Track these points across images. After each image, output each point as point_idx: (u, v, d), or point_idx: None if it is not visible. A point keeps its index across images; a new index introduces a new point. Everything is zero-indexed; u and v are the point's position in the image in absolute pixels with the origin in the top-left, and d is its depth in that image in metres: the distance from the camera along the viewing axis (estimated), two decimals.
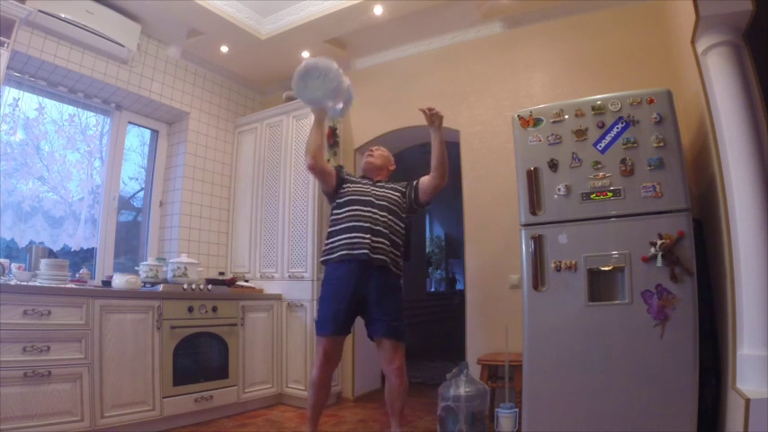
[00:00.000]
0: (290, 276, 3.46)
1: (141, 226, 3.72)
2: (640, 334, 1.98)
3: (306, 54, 3.68)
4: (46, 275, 2.43)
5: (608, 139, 2.17)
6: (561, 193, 2.22)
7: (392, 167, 2.64)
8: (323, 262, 2.37)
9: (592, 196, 2.16)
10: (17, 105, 2.89)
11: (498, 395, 2.59)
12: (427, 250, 8.15)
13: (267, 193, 3.72)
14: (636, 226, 2.06)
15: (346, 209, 2.33)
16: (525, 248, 2.26)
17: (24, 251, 2.80)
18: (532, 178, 2.29)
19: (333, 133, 3.57)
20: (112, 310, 2.49)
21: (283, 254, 3.52)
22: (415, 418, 2.94)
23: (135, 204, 3.83)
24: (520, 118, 2.38)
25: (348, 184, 2.44)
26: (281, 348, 3.38)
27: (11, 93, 2.87)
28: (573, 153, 2.23)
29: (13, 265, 2.53)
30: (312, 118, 3.55)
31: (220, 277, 3.42)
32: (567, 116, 2.27)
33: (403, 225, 2.41)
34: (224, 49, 3.69)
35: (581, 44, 3.06)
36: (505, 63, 3.31)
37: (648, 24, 2.85)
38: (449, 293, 8.25)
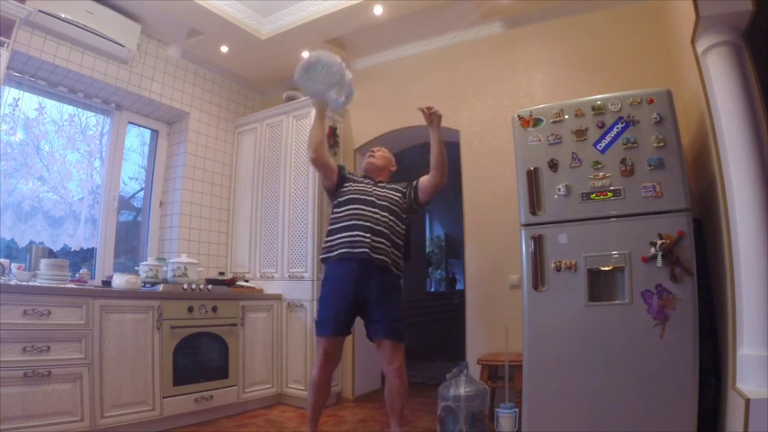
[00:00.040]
0: (290, 276, 3.46)
1: (141, 226, 3.72)
2: (640, 334, 1.98)
3: (306, 54, 3.67)
4: (46, 275, 2.43)
5: (608, 139, 2.17)
6: (561, 193, 2.22)
7: (393, 168, 2.64)
8: (322, 260, 2.37)
9: (592, 196, 2.16)
10: (17, 105, 2.89)
11: (498, 395, 2.59)
12: (427, 250, 8.15)
13: (267, 193, 3.72)
14: (636, 226, 2.06)
15: (347, 207, 2.33)
16: (525, 248, 2.26)
17: (24, 251, 2.80)
18: (532, 178, 2.29)
19: (333, 133, 3.58)
20: (112, 310, 2.49)
21: (283, 254, 3.52)
22: (415, 418, 2.94)
23: (135, 204, 3.83)
24: (520, 118, 2.38)
25: (349, 184, 2.44)
26: (281, 348, 3.38)
27: (11, 93, 2.87)
28: (573, 153, 2.23)
29: (13, 265, 2.53)
30: (312, 117, 3.58)
31: (220, 277, 3.42)
32: (566, 116, 2.27)
33: (403, 226, 2.41)
34: (224, 49, 3.69)
35: (581, 44, 3.06)
36: (505, 63, 3.31)
37: (648, 24, 2.85)
38: (449, 293, 8.25)
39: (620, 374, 2.00)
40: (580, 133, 2.23)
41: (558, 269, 2.17)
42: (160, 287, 2.79)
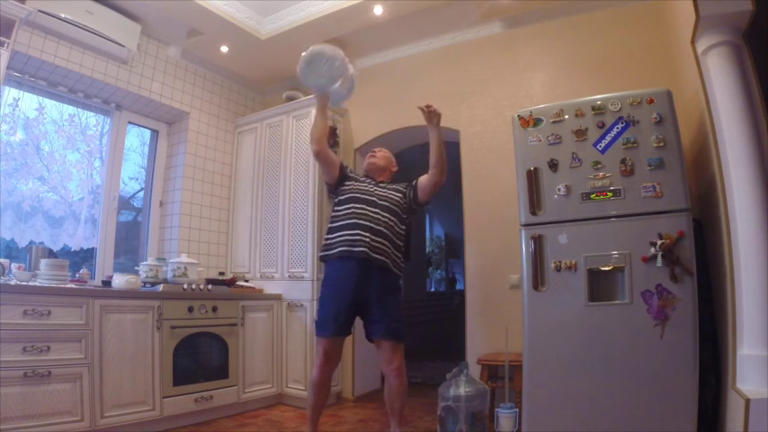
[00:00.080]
0: (290, 276, 3.46)
1: (141, 226, 3.72)
2: (640, 334, 1.98)
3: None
4: (46, 275, 2.43)
5: (608, 139, 2.17)
6: (561, 193, 2.22)
7: (394, 169, 2.64)
8: (322, 258, 2.37)
9: (592, 196, 2.16)
10: (17, 105, 2.89)
11: (498, 395, 2.59)
12: (427, 250, 8.15)
13: (267, 193, 3.72)
14: (636, 226, 2.06)
15: (347, 206, 2.34)
16: (525, 248, 2.26)
17: (24, 251, 2.80)
18: (532, 178, 2.29)
19: (333, 133, 3.58)
20: (112, 310, 2.49)
21: (283, 254, 3.52)
22: (415, 418, 2.94)
23: (135, 204, 3.83)
24: (520, 118, 2.38)
25: (351, 182, 2.44)
26: (281, 348, 3.38)
27: (11, 93, 2.87)
28: (573, 153, 2.22)
29: (13, 265, 2.53)
30: (312, 117, 3.58)
31: (220, 277, 3.42)
32: (567, 116, 2.27)
33: (403, 226, 2.41)
34: (224, 49, 3.69)
35: (581, 44, 3.06)
36: (505, 63, 3.31)
37: (648, 24, 2.85)
38: (449, 293, 8.24)
39: (620, 374, 2.00)
40: (580, 133, 2.23)
41: (558, 269, 2.17)
42: (160, 287, 2.79)
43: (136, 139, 3.75)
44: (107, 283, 2.77)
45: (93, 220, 3.27)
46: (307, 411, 2.34)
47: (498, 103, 3.28)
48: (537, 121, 2.33)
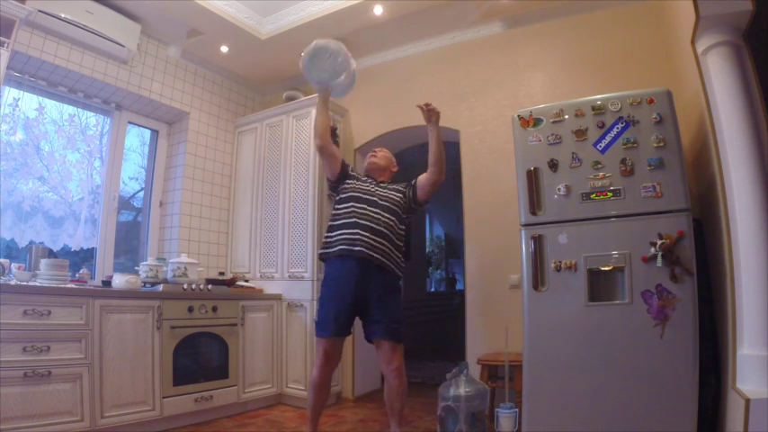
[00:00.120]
0: (290, 276, 3.46)
1: (141, 226, 3.72)
2: (640, 334, 1.98)
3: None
4: (46, 275, 2.43)
5: (608, 139, 2.17)
6: (561, 193, 2.22)
7: (395, 169, 2.64)
8: (321, 256, 2.37)
9: (592, 196, 2.16)
10: (17, 105, 2.89)
11: (498, 395, 2.59)
12: (427, 250, 8.15)
13: (267, 193, 3.72)
14: (636, 226, 2.06)
15: (348, 204, 2.34)
16: (525, 248, 2.26)
17: (24, 251, 2.80)
18: (532, 178, 2.29)
19: (333, 133, 3.57)
20: (112, 310, 2.49)
21: (283, 254, 3.52)
22: (415, 418, 2.94)
23: (135, 204, 3.83)
24: (520, 118, 2.38)
25: (352, 181, 2.44)
26: (281, 348, 3.38)
27: (11, 93, 2.87)
28: (573, 153, 2.22)
29: (13, 265, 2.53)
30: (312, 117, 3.58)
31: (220, 277, 3.42)
32: (567, 116, 2.27)
33: (403, 226, 2.41)
34: (224, 49, 3.69)
35: (581, 44, 3.06)
36: (505, 63, 3.31)
37: (648, 24, 2.85)
38: (449, 293, 8.24)
39: (620, 374, 2.00)
40: (580, 133, 2.23)
41: (558, 269, 2.17)
42: (160, 287, 2.79)
43: (136, 139, 3.75)
44: (107, 283, 2.77)
45: (93, 220, 3.28)
46: (307, 411, 2.34)
47: (498, 103, 3.28)
48: (537, 121, 2.33)
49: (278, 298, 3.44)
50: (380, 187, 2.43)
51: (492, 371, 2.72)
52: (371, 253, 2.21)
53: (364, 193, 2.36)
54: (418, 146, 3.86)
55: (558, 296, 2.16)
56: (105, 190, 3.35)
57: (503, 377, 2.46)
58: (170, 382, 2.69)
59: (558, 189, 2.23)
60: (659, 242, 1.98)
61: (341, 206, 2.37)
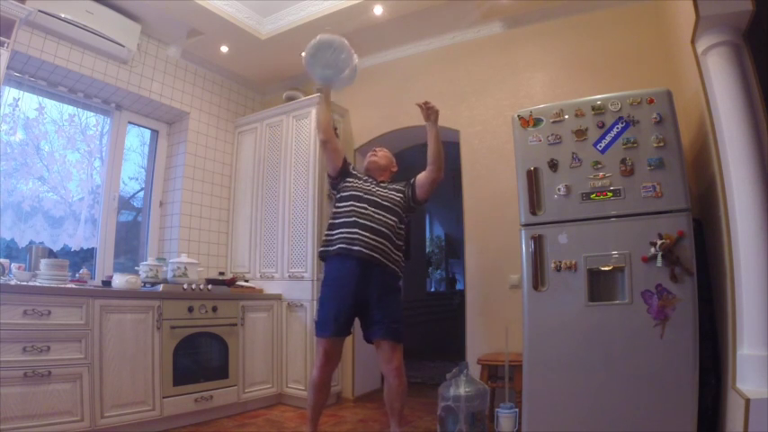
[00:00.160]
0: (290, 276, 3.46)
1: (141, 226, 3.72)
2: (640, 334, 1.98)
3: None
4: (46, 275, 2.43)
5: (608, 139, 2.17)
6: (561, 193, 2.22)
7: (394, 169, 2.64)
8: (321, 255, 2.37)
9: (592, 196, 2.16)
10: (17, 105, 2.89)
11: (498, 395, 2.59)
12: (427, 250, 8.15)
13: (267, 193, 3.72)
14: (636, 226, 2.06)
15: (348, 203, 2.34)
16: (525, 248, 2.26)
17: (24, 251, 2.80)
18: (532, 178, 2.29)
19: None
20: (112, 310, 2.49)
21: (283, 254, 3.52)
22: (415, 418, 2.94)
23: (135, 204, 3.83)
24: (520, 118, 2.38)
25: (353, 179, 2.44)
26: (281, 348, 3.38)
27: (11, 93, 2.87)
28: (573, 153, 2.22)
29: (13, 265, 2.53)
30: (312, 117, 3.59)
31: (220, 277, 3.42)
32: (567, 116, 2.27)
33: (403, 226, 2.41)
34: (224, 49, 3.69)
35: (581, 44, 3.06)
36: (505, 63, 3.31)
37: (648, 24, 2.85)
38: (449, 293, 8.24)
39: (620, 374, 2.00)
40: (580, 133, 2.23)
41: (558, 269, 2.17)
42: (160, 287, 2.79)
43: (136, 139, 3.75)
44: (107, 283, 2.77)
45: (93, 220, 3.27)
46: (307, 411, 2.34)
47: (498, 103, 3.28)
48: (537, 121, 2.33)
49: (278, 298, 3.44)
50: (381, 187, 2.43)
51: (492, 371, 2.72)
52: (371, 253, 2.21)
53: (365, 193, 2.36)
54: (418, 146, 3.86)
55: (558, 296, 2.16)
56: (105, 190, 3.35)
57: (503, 377, 2.46)
58: (170, 382, 2.69)
59: (558, 189, 2.23)
60: (659, 242, 1.98)
61: (341, 204, 2.37)
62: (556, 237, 2.20)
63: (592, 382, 2.04)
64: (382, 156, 2.58)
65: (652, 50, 2.81)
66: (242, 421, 2.91)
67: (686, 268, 1.94)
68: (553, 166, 2.26)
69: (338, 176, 2.47)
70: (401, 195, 2.41)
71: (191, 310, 2.85)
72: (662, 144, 2.06)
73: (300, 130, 3.62)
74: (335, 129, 3.59)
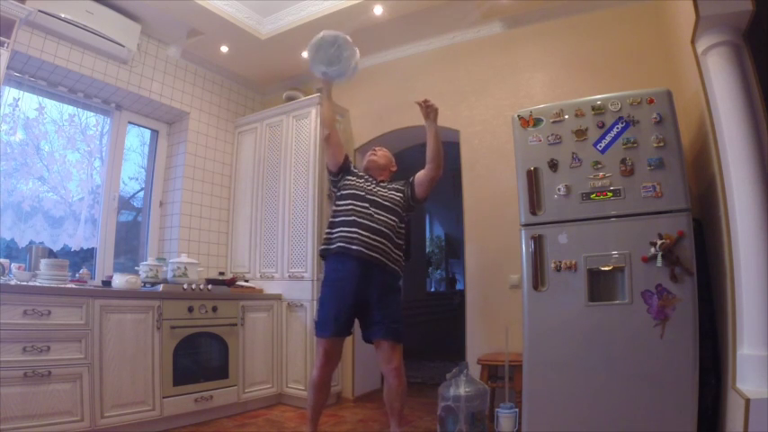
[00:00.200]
0: (290, 276, 3.46)
1: (141, 226, 3.72)
2: (640, 334, 1.97)
3: (306, 54, 3.68)
4: (46, 275, 2.43)
5: (608, 139, 2.17)
6: (561, 193, 2.22)
7: (394, 169, 2.64)
8: (322, 253, 2.37)
9: (592, 196, 2.16)
10: (17, 105, 2.89)
11: (498, 395, 2.59)
12: (427, 250, 8.15)
13: (267, 193, 3.72)
14: (636, 226, 2.06)
15: (348, 202, 2.34)
16: (525, 248, 2.26)
17: (24, 251, 2.80)
18: (532, 178, 2.29)
19: None
20: (112, 310, 2.49)
21: (283, 254, 3.52)
22: (415, 418, 2.94)
23: (135, 204, 3.83)
24: (520, 118, 2.38)
25: (353, 178, 2.44)
26: (281, 348, 3.38)
27: (11, 93, 2.87)
28: (573, 153, 2.22)
29: (13, 265, 2.53)
30: (312, 117, 3.60)
31: (220, 277, 3.42)
32: (567, 116, 2.27)
33: (404, 225, 2.41)
34: (224, 49, 3.69)
35: (581, 44, 3.06)
36: (505, 63, 3.31)
37: (648, 24, 2.85)
38: (449, 293, 8.25)
39: (620, 374, 2.00)
40: (580, 133, 2.23)
41: (558, 269, 2.17)
42: (160, 287, 2.79)
43: (136, 139, 3.75)
44: (107, 283, 2.77)
45: (93, 220, 3.27)
46: (307, 411, 2.34)
47: (498, 103, 3.28)
48: (537, 121, 2.33)
49: (278, 298, 3.44)
50: (381, 187, 2.43)
51: (492, 371, 2.72)
52: (370, 253, 2.21)
53: (366, 192, 2.36)
54: (418, 146, 3.86)
55: (558, 296, 2.16)
56: (105, 190, 3.35)
57: (503, 377, 2.46)
58: (170, 382, 2.69)
59: (558, 189, 2.23)
60: (659, 242, 1.98)
61: (341, 203, 2.38)
62: (556, 237, 2.20)
63: (592, 382, 2.04)
64: (382, 155, 2.58)
65: (652, 50, 2.81)
66: (242, 421, 2.91)
67: (686, 268, 1.94)
68: (553, 166, 2.26)
69: (339, 173, 2.47)
70: (401, 195, 2.41)
71: (191, 310, 2.85)
72: (662, 144, 2.06)
73: (300, 130, 3.62)
74: None
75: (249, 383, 3.14)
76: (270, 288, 3.51)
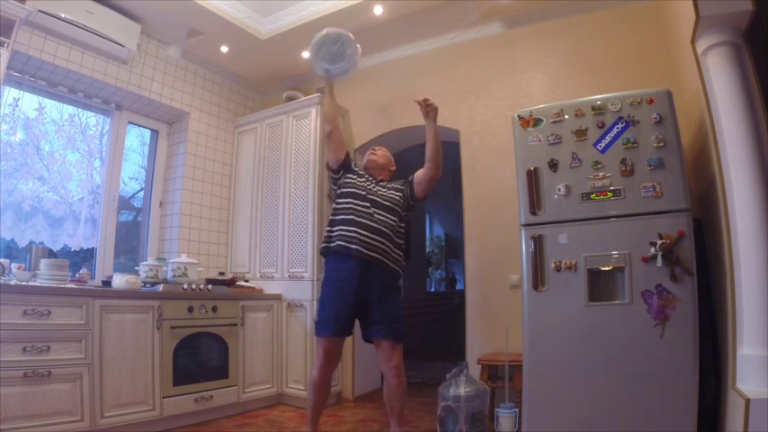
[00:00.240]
0: (290, 276, 3.46)
1: (141, 226, 3.72)
2: (640, 334, 1.97)
3: (306, 54, 3.69)
4: (46, 275, 2.43)
5: (608, 139, 2.17)
6: (561, 193, 2.22)
7: (393, 168, 2.65)
8: (323, 251, 2.37)
9: (592, 196, 2.16)
10: (17, 105, 2.89)
11: (498, 395, 2.59)
12: (427, 250, 8.15)
13: (267, 193, 3.72)
14: (636, 226, 2.06)
15: (347, 200, 2.35)
16: (525, 248, 2.26)
17: (24, 251, 2.80)
18: (532, 178, 2.29)
19: None
20: (112, 310, 2.49)
21: (283, 254, 3.52)
22: (415, 418, 2.94)
23: (135, 204, 3.83)
24: (520, 118, 2.38)
25: (353, 176, 2.44)
26: (281, 348, 3.38)
27: (11, 93, 2.87)
28: (573, 153, 2.22)
29: (13, 265, 2.53)
30: (312, 117, 3.59)
31: (220, 277, 3.42)
32: (567, 116, 2.27)
33: (403, 224, 2.41)
34: (224, 49, 3.69)
35: (581, 44, 3.06)
36: (505, 63, 3.31)
37: (648, 24, 2.85)
38: (449, 293, 8.25)
39: (620, 374, 1.99)
40: (580, 133, 2.22)
41: (558, 269, 2.17)
42: (160, 287, 2.79)
43: (136, 139, 3.75)
44: (107, 283, 2.77)
45: (93, 220, 3.27)
46: (307, 411, 2.34)
47: (498, 103, 3.28)
48: (537, 121, 2.33)
49: (278, 298, 3.44)
50: (381, 186, 2.43)
51: (492, 371, 2.72)
52: (370, 252, 2.22)
53: (365, 191, 2.37)
54: (418, 146, 3.86)
55: (558, 296, 2.16)
56: (105, 190, 3.35)
57: (503, 377, 2.46)
58: (170, 382, 2.69)
59: (558, 189, 2.23)
60: (659, 242, 1.98)
61: (341, 201, 2.38)
62: (556, 237, 2.20)
63: (592, 382, 2.04)
64: (381, 155, 2.58)
65: (652, 50, 2.81)
66: (242, 421, 2.91)
67: (686, 268, 1.94)
68: (553, 166, 2.26)
69: (339, 170, 2.47)
70: (400, 194, 2.42)
71: (191, 310, 2.85)
72: (662, 144, 2.06)
73: (300, 130, 3.62)
74: None
75: (249, 383, 3.14)
76: (270, 288, 3.51)
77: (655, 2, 2.81)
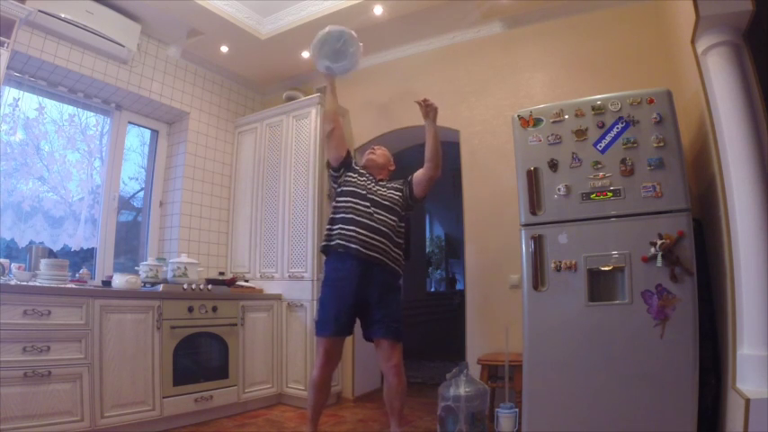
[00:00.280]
0: (290, 276, 3.46)
1: (141, 226, 3.72)
2: (640, 334, 1.97)
3: (306, 54, 3.69)
4: (46, 275, 2.43)
5: (608, 139, 2.17)
6: (561, 193, 2.22)
7: (392, 168, 2.65)
8: (323, 249, 2.37)
9: (592, 196, 2.16)
10: (17, 105, 2.89)
11: (498, 395, 2.59)
12: (427, 250, 8.15)
13: (267, 193, 3.72)
14: (636, 226, 2.06)
15: (347, 199, 2.35)
16: (525, 248, 2.26)
17: (24, 251, 2.80)
18: (532, 178, 2.29)
19: None
20: (112, 310, 2.49)
21: (283, 254, 3.52)
22: (415, 418, 2.94)
23: (135, 204, 3.83)
24: (520, 118, 2.38)
25: (354, 175, 2.44)
26: (281, 348, 3.38)
27: (11, 93, 2.87)
28: (573, 153, 2.22)
29: (13, 265, 2.53)
30: (312, 117, 3.60)
31: (220, 277, 3.42)
32: (567, 116, 2.27)
33: (403, 224, 2.42)
34: (224, 49, 3.69)
35: (581, 44, 3.06)
36: (505, 63, 3.31)
37: (648, 24, 2.85)
38: (449, 293, 8.24)
39: (620, 374, 1.99)
40: (580, 133, 2.23)
41: (558, 269, 2.17)
42: (160, 287, 2.79)
43: (136, 139, 3.75)
44: (107, 283, 2.77)
45: (93, 220, 3.27)
46: (307, 411, 2.34)
47: (498, 103, 3.28)
48: (537, 121, 2.33)
49: (278, 298, 3.44)
50: (380, 186, 2.43)
51: (492, 371, 2.72)
52: (369, 252, 2.22)
53: (364, 190, 2.37)
54: (417, 146, 3.86)
55: (558, 296, 2.16)
56: (105, 190, 3.35)
57: (503, 377, 2.46)
58: (170, 382, 2.69)
59: (558, 189, 2.23)
60: (659, 242, 1.98)
61: (341, 200, 2.38)
62: (556, 237, 2.20)
63: (592, 382, 2.04)
64: (380, 154, 2.58)
65: (652, 50, 2.81)
66: (242, 421, 2.91)
67: (686, 268, 1.94)
68: (553, 166, 2.26)
69: (340, 167, 2.47)
70: (400, 194, 2.42)
71: (191, 310, 2.85)
72: (662, 144, 2.06)
73: (300, 130, 3.62)
74: None
75: (249, 383, 3.14)
76: (270, 288, 3.51)
77: (655, 2, 2.81)
